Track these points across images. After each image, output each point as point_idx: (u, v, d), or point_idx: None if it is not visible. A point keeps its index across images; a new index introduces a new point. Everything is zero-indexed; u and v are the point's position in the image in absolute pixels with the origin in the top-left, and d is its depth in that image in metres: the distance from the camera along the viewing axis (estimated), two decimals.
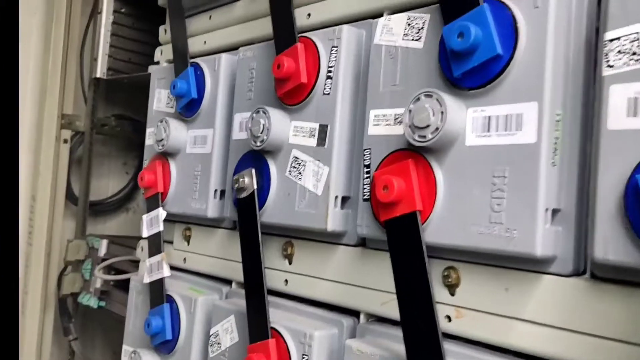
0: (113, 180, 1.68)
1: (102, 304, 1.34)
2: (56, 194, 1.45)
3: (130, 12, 1.51)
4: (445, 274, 0.58)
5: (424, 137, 0.56)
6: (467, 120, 0.56)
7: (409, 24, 0.62)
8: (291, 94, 0.71)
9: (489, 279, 0.55)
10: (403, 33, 0.62)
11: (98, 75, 1.46)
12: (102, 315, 1.40)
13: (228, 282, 0.83)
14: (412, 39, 0.62)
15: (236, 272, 0.80)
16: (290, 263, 0.74)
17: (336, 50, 0.68)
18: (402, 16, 0.63)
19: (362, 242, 0.68)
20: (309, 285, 0.71)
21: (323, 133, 0.68)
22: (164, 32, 1.00)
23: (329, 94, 0.68)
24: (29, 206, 1.45)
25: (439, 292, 0.58)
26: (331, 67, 0.68)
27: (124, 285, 1.28)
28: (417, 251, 0.56)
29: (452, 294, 0.58)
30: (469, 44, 0.53)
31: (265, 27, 0.81)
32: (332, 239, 0.69)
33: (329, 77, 0.68)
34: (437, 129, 0.55)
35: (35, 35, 1.48)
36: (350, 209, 0.68)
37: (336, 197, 0.67)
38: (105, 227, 1.65)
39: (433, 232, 0.57)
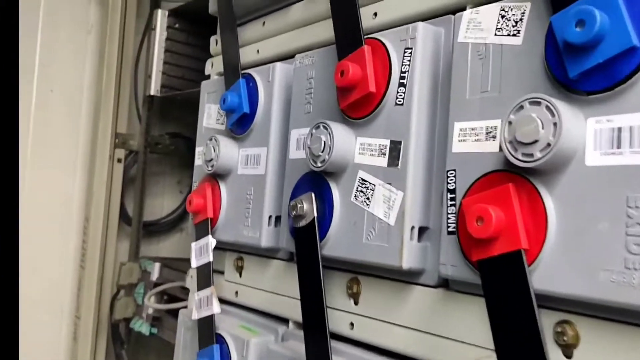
0: (167, 199, 1.62)
1: (154, 330, 1.26)
2: (109, 214, 1.39)
3: (183, 28, 1.45)
4: (559, 330, 0.45)
5: (531, 155, 0.43)
6: (588, 133, 0.43)
7: (504, 16, 0.50)
8: (357, 106, 0.60)
9: (622, 341, 0.42)
10: (495, 27, 0.50)
11: (152, 93, 1.41)
12: (155, 342, 1.33)
13: (284, 320, 0.72)
14: (508, 34, 0.49)
15: (294, 310, 0.69)
16: (356, 303, 0.62)
17: (410, 53, 0.57)
18: (494, 7, 0.51)
19: (444, 283, 0.55)
20: (379, 331, 0.59)
21: (395, 151, 0.57)
22: (215, 43, 0.91)
23: (402, 104, 0.57)
24: (82, 228, 1.41)
25: (551, 352, 0.45)
26: (404, 72, 0.57)
27: (176, 312, 1.20)
28: (524, 300, 0.43)
29: (568, 357, 0.45)
30: (592, 35, 0.40)
31: (325, 30, 0.71)
32: (407, 277, 0.57)
33: (401, 85, 0.57)
34: (548, 145, 0.42)
35: (90, 53, 1.45)
36: (428, 241, 0.56)
37: (412, 228, 0.55)
38: (160, 248, 1.58)
39: (543, 277, 0.44)
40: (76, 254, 1.40)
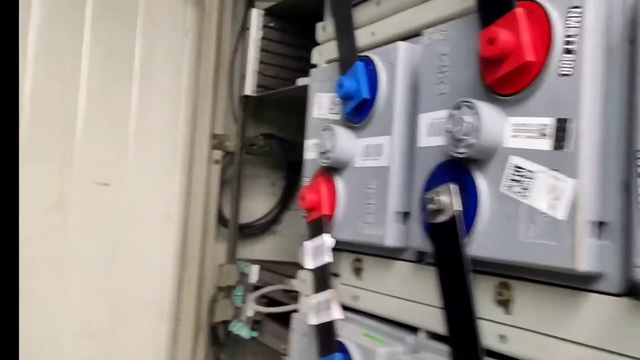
0: (261, 201, 1.56)
1: (255, 334, 1.21)
2: (207, 216, 1.36)
3: (278, 27, 1.40)
4: None
5: None
6: None
7: None
8: (508, 80, 0.50)
9: None
10: None
11: (248, 93, 1.36)
12: (254, 346, 1.28)
13: (411, 329, 0.63)
14: None
15: (425, 317, 0.60)
16: (507, 312, 0.52)
17: (579, 13, 0.46)
18: None
19: (632, 290, 0.44)
20: (539, 346, 0.49)
21: (562, 131, 0.46)
22: (322, 30, 0.84)
23: (569, 74, 0.46)
24: (181, 229, 1.38)
25: None
26: (571, 36, 0.47)
27: (277, 316, 1.14)
28: None
29: None
30: None
31: (454, 2, 0.62)
32: (579, 282, 0.47)
33: (568, 51, 0.47)
34: None
35: (187, 56, 1.43)
36: (608, 239, 0.45)
37: (589, 222, 0.44)
38: (254, 251, 1.53)
39: None
40: (176, 255, 1.38)
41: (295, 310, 0.95)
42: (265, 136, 1.48)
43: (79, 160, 1.30)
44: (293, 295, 1.13)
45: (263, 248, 1.55)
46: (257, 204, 1.56)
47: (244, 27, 1.40)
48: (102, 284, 1.32)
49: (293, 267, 1.41)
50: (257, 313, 1.22)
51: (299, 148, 1.55)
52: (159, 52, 1.40)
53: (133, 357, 1.34)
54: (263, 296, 1.23)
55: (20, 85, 1.24)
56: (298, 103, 1.49)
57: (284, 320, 1.16)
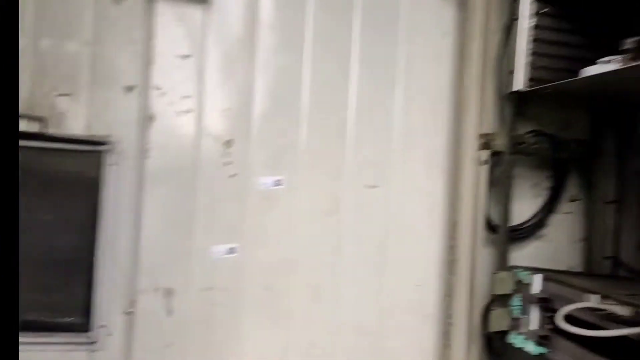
0: (522, 204, 1.38)
1: (542, 350, 1.05)
2: (476, 220, 1.24)
3: (553, 12, 1.21)
4: None
5: None
6: None
7: None
8: None
9: None
10: None
11: (518, 88, 1.21)
12: None
13: None
14: None
15: None
16: None
17: None
18: None
19: None
20: None
21: None
22: None
23: None
24: (446, 232, 1.29)
25: None
26: None
27: (573, 334, 0.96)
28: None
29: None
30: None
31: None
32: None
33: None
34: None
35: (447, 57, 1.33)
36: None
37: None
38: (519, 256, 1.37)
39: None
40: (441, 258, 1.30)
41: (623, 337, 0.79)
42: (535, 133, 1.31)
43: (350, 164, 1.29)
44: (600, 315, 0.95)
45: (529, 254, 1.38)
46: (519, 207, 1.39)
47: (512, 18, 1.25)
48: (371, 283, 1.30)
49: (579, 277, 1.20)
50: (542, 328, 1.06)
51: (569, 146, 1.35)
52: (419, 56, 1.33)
53: (401, 356, 1.30)
54: (548, 309, 1.07)
55: (299, 98, 1.28)
56: (576, 95, 1.28)
57: (582, 340, 0.97)
